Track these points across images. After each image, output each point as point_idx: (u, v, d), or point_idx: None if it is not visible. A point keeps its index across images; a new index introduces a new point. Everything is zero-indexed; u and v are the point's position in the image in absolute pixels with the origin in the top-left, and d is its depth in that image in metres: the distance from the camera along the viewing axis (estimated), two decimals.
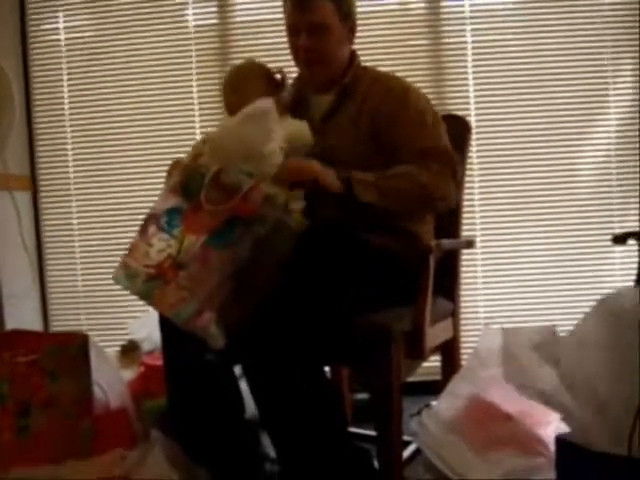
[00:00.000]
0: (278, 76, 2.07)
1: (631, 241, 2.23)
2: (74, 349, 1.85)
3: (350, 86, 2.03)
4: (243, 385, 1.91)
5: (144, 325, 2.62)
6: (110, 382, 2.07)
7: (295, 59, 2.06)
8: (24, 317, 3.25)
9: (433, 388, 2.27)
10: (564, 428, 1.81)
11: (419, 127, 1.96)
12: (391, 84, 2.04)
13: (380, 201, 1.85)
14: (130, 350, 2.63)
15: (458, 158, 2.05)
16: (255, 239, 1.68)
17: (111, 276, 1.78)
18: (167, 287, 1.66)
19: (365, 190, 1.84)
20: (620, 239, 2.21)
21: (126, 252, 1.77)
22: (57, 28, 3.46)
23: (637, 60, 3.23)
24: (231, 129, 1.92)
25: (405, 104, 1.98)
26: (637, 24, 3.20)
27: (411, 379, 2.01)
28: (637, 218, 3.20)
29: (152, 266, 1.69)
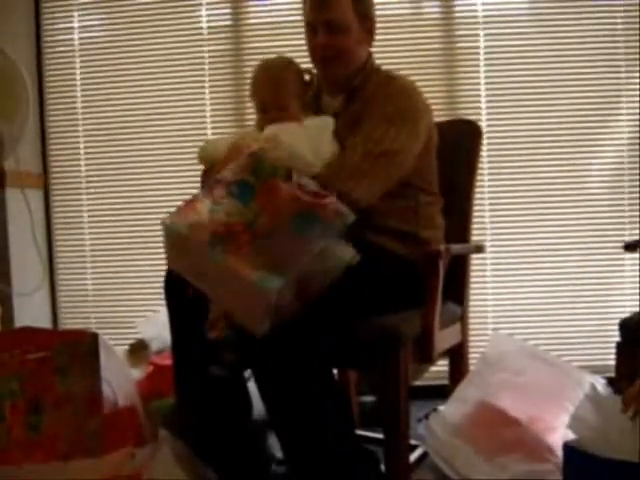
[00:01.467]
0: (307, 77, 2.07)
1: None
2: (84, 347, 1.85)
3: (358, 88, 2.02)
4: (251, 385, 1.92)
5: (153, 324, 2.63)
6: (119, 381, 2.08)
7: (312, 58, 2.05)
8: (34, 314, 3.27)
9: (441, 392, 2.27)
10: (572, 435, 1.81)
11: (378, 126, 1.91)
12: (392, 83, 2.01)
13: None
14: (139, 349, 2.63)
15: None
16: (325, 244, 1.65)
17: (160, 221, 1.68)
18: (241, 251, 1.59)
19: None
20: (632, 247, 2.22)
21: (185, 203, 1.69)
22: (71, 27, 3.48)
23: None
24: (298, 130, 1.91)
25: (390, 99, 1.95)
26: None
27: (419, 383, 2.01)
28: None
29: (220, 223, 1.63)
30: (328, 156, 1.87)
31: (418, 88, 2.04)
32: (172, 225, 1.66)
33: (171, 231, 1.67)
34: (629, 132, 3.24)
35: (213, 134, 3.36)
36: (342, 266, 1.68)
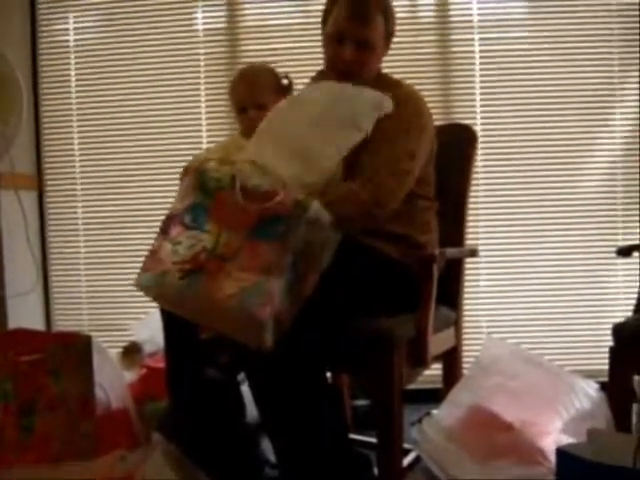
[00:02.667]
0: (285, 81, 2.08)
1: (635, 254, 2.23)
2: (77, 349, 1.85)
3: None
4: (245, 388, 1.92)
5: (147, 326, 2.63)
6: (112, 383, 2.08)
7: (330, 66, 2.03)
8: (27, 316, 3.26)
9: (434, 396, 2.27)
10: (565, 439, 1.82)
11: (395, 144, 1.92)
12: (397, 93, 2.01)
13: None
14: (132, 351, 2.63)
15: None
16: (300, 239, 1.64)
17: (134, 282, 1.71)
18: (214, 279, 1.59)
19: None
20: (624, 251, 2.22)
21: (147, 256, 1.72)
22: (67, 29, 3.47)
23: None
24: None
25: (396, 115, 1.95)
26: None
27: (412, 386, 2.01)
28: None
29: (185, 262, 1.63)
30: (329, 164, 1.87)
31: (420, 96, 2.07)
32: (142, 281, 1.69)
33: (144, 287, 1.69)
34: (622, 137, 3.25)
35: (208, 136, 3.36)
36: (329, 251, 1.68)
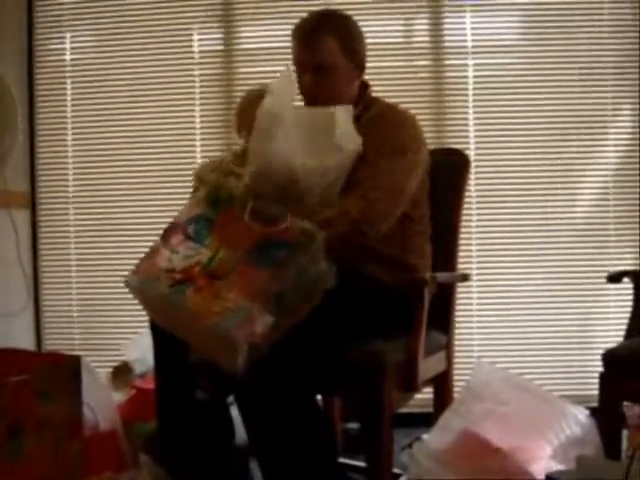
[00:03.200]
0: None
1: (626, 279, 2.24)
2: (66, 370, 1.83)
3: (357, 117, 2.03)
4: (234, 411, 1.91)
5: (138, 347, 2.62)
6: (101, 404, 2.07)
7: (301, 94, 2.06)
8: (18, 335, 3.24)
9: (425, 420, 2.26)
10: (554, 465, 1.81)
11: (387, 162, 1.92)
12: (388, 115, 2.03)
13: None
14: (122, 372, 2.62)
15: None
16: (298, 269, 1.64)
17: (124, 280, 1.73)
18: (201, 294, 1.60)
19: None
20: (615, 278, 2.22)
21: (144, 258, 1.73)
22: (64, 48, 3.49)
23: (637, 99, 3.26)
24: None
25: (388, 135, 1.97)
26: (638, 58, 3.24)
27: (403, 410, 2.01)
28: (633, 257, 3.22)
29: (177, 271, 1.65)
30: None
31: (416, 119, 2.08)
32: (132, 282, 1.71)
33: (132, 288, 1.71)
34: (615, 163, 3.27)
35: (202, 157, 3.36)
36: (322, 288, 1.67)
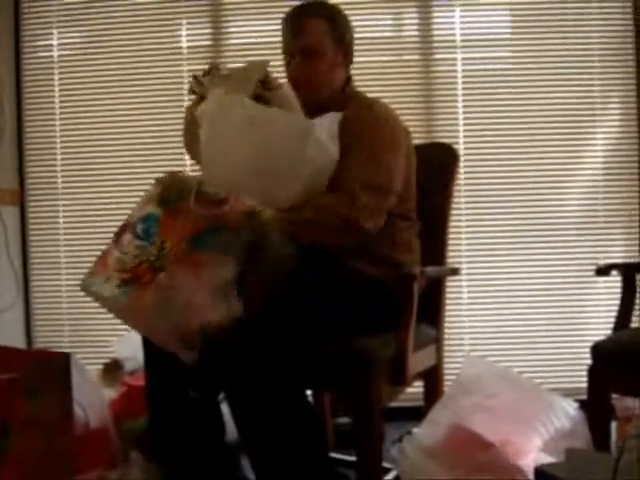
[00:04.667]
0: None
1: (614, 272, 2.25)
2: (56, 367, 1.83)
3: (339, 111, 2.03)
4: (224, 408, 1.91)
5: (128, 344, 2.60)
6: (91, 402, 2.06)
7: (290, 83, 2.05)
8: (7, 332, 3.23)
9: (416, 414, 2.27)
10: (544, 458, 1.82)
11: (369, 159, 1.92)
12: (368, 112, 2.02)
13: (297, 234, 1.78)
14: (113, 369, 2.61)
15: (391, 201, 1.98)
16: (246, 248, 1.65)
17: (79, 284, 1.78)
18: (144, 289, 1.63)
19: (285, 228, 1.77)
20: (603, 271, 2.23)
21: (97, 260, 1.76)
22: (51, 45, 3.47)
23: (625, 93, 3.27)
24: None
25: (369, 132, 1.96)
26: (627, 56, 3.25)
27: (394, 404, 2.01)
28: (622, 249, 3.23)
29: (126, 270, 1.67)
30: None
31: (397, 115, 2.07)
32: (86, 284, 1.74)
33: (87, 291, 1.74)
34: (604, 156, 3.28)
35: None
36: (284, 260, 1.68)
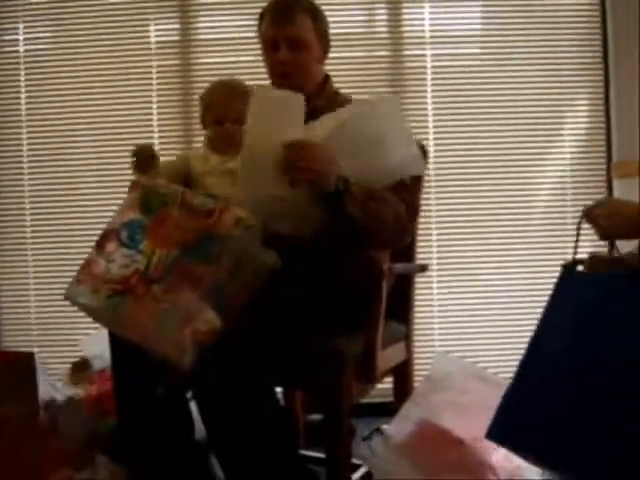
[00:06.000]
0: None
1: (581, 268, 2.26)
2: (19, 367, 1.80)
3: (322, 109, 2.01)
4: (193, 406, 1.90)
5: (96, 342, 2.57)
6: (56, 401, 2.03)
7: (271, 73, 2.04)
8: None
9: (386, 410, 2.27)
10: (515, 456, 1.82)
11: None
12: None
13: (361, 220, 1.80)
14: (81, 368, 2.58)
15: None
16: (234, 258, 1.63)
17: (64, 293, 1.72)
18: (140, 301, 1.61)
19: (353, 204, 1.79)
20: (570, 266, 2.24)
21: (81, 268, 1.71)
22: (17, 40, 3.42)
23: (593, 88, 3.30)
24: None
25: None
26: (595, 53, 3.28)
27: (364, 401, 2.01)
28: (590, 245, 3.25)
29: (116, 281, 1.64)
30: None
31: None
32: (71, 294, 1.70)
33: (72, 301, 1.70)
34: (572, 153, 3.31)
35: (160, 149, 3.32)
36: (264, 271, 1.66)
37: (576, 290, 1.71)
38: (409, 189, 1.94)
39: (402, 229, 1.91)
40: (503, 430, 1.67)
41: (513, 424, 1.66)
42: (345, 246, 1.89)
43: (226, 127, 2.00)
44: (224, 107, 2.01)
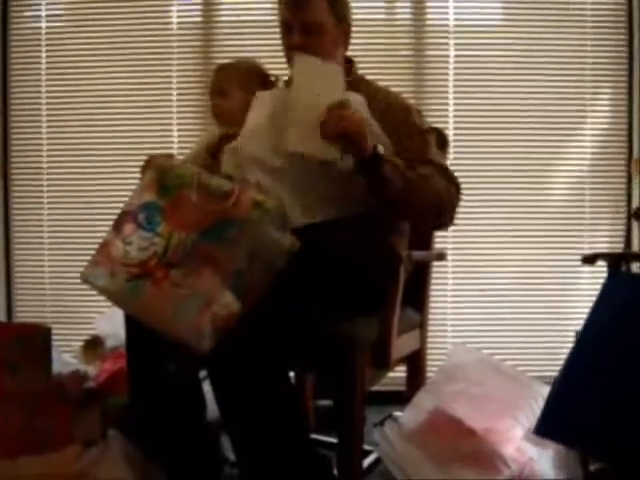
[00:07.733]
0: (272, 79, 2.08)
1: (600, 262, 2.25)
2: (36, 341, 1.81)
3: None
4: (206, 386, 1.90)
5: (109, 321, 2.59)
6: (69, 377, 2.04)
7: (287, 57, 2.03)
8: None
9: (398, 398, 2.27)
10: (527, 446, 1.82)
11: (425, 144, 1.96)
12: (391, 100, 2.03)
13: (401, 192, 1.81)
14: (93, 346, 2.59)
15: None
16: (252, 242, 1.62)
17: (80, 275, 1.69)
18: (159, 286, 1.60)
19: (393, 173, 1.79)
20: (589, 259, 2.23)
21: (98, 250, 1.69)
22: (39, 16, 3.41)
23: (616, 83, 3.27)
24: None
25: (409, 121, 1.98)
26: (620, 47, 3.25)
27: (376, 388, 2.01)
28: (607, 239, 3.24)
29: (134, 265, 1.63)
30: None
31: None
32: (88, 276, 1.67)
33: (90, 283, 1.68)
34: (592, 146, 3.28)
35: (179, 130, 3.32)
36: (283, 254, 1.65)
37: (623, 289, 1.72)
38: (443, 170, 1.93)
39: (441, 205, 1.91)
40: (554, 425, 1.69)
41: (565, 419, 1.67)
42: (385, 215, 1.92)
43: (214, 101, 2.07)
44: (212, 83, 2.08)
